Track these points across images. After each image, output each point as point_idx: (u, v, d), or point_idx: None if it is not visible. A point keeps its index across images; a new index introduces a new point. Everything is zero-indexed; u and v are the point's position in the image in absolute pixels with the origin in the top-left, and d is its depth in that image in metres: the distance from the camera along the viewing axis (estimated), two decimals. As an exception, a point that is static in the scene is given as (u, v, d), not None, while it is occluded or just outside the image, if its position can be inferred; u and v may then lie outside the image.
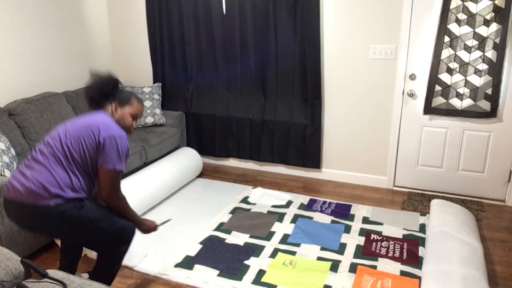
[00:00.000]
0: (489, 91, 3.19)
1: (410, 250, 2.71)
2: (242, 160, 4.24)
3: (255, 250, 2.72)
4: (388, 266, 2.54)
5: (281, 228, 3.00)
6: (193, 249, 2.74)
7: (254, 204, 3.39)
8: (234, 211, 3.27)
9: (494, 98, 3.19)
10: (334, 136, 3.80)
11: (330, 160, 3.88)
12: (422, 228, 2.99)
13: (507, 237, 2.93)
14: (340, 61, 3.59)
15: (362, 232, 2.94)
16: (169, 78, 4.23)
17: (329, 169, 3.91)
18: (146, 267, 2.57)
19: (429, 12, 3.23)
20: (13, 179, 1.91)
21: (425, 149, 3.54)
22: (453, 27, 3.16)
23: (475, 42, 3.13)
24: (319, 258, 2.63)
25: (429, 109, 3.39)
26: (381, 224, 3.06)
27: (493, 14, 3.03)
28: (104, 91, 2.09)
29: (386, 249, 2.73)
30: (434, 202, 3.00)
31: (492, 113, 3.23)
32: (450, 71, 3.26)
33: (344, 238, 2.86)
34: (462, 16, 3.11)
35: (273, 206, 3.35)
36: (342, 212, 3.24)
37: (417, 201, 3.45)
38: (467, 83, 3.24)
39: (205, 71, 4.07)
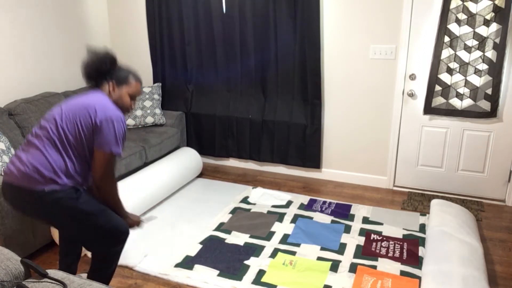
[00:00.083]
0: (489, 91, 3.19)
1: (410, 250, 2.71)
2: (242, 160, 4.24)
3: (255, 250, 2.72)
4: (388, 266, 2.54)
5: (281, 228, 3.00)
6: (193, 249, 2.74)
7: (254, 204, 3.39)
8: (234, 211, 3.27)
9: (494, 98, 3.19)
10: (334, 136, 3.80)
11: (330, 160, 3.88)
12: (422, 228, 2.99)
13: (507, 237, 2.93)
14: (340, 61, 3.59)
15: (362, 232, 2.94)
16: (169, 78, 4.23)
17: (329, 169, 3.91)
18: (146, 267, 2.57)
19: (429, 12, 3.23)
20: (10, 163, 1.92)
21: (425, 149, 3.54)
22: (453, 27, 3.16)
23: (475, 42, 3.13)
24: (319, 258, 2.63)
25: (429, 109, 3.39)
26: (381, 224, 3.06)
27: (493, 14, 3.03)
28: (101, 69, 2.02)
29: (386, 249, 2.73)
30: (434, 202, 3.00)
31: (492, 113, 3.23)
32: (450, 71, 3.26)
33: (344, 238, 2.86)
34: (462, 16, 3.11)
35: (273, 206, 3.35)
36: (342, 212, 3.24)
37: (417, 201, 3.45)
38: (467, 83, 3.24)
39: (205, 71, 4.07)
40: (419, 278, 2.43)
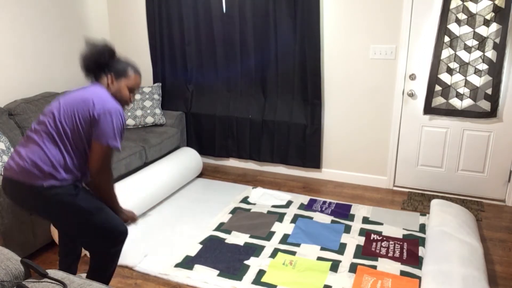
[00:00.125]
0: (489, 91, 3.19)
1: (410, 250, 2.71)
2: (242, 160, 4.24)
3: (255, 250, 2.72)
4: (388, 266, 2.54)
5: (281, 228, 3.00)
6: (193, 249, 2.74)
7: (254, 204, 3.39)
8: (234, 211, 3.27)
9: (494, 98, 3.19)
10: (334, 136, 3.80)
11: (330, 160, 3.88)
12: (422, 228, 2.99)
13: (507, 237, 2.93)
14: (340, 61, 3.59)
15: (362, 232, 2.94)
16: (169, 78, 4.23)
17: (329, 169, 3.91)
18: (146, 267, 2.57)
19: (429, 12, 3.23)
20: (10, 158, 1.92)
21: (425, 149, 3.54)
22: (453, 27, 3.16)
23: (475, 42, 3.13)
24: (319, 258, 2.63)
25: (429, 109, 3.39)
26: (381, 224, 3.06)
27: (493, 14, 3.03)
28: (99, 61, 2.00)
29: (386, 249, 2.73)
30: (434, 202, 3.00)
31: (492, 113, 3.23)
32: (450, 71, 3.26)
33: (344, 238, 2.86)
34: (462, 16, 3.11)
35: (273, 206, 3.35)
36: (342, 212, 3.24)
37: (417, 201, 3.45)
38: (467, 83, 3.24)
39: (205, 71, 4.07)
40: (419, 278, 2.43)
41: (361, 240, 2.83)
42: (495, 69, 3.12)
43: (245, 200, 3.47)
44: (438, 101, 3.35)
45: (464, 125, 3.37)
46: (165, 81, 4.26)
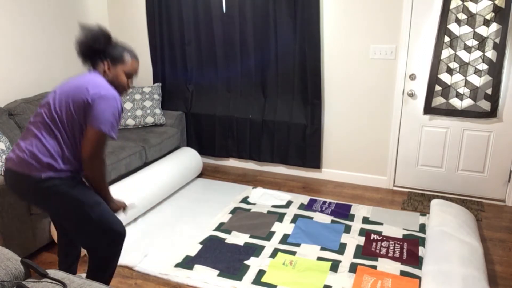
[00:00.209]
0: (489, 91, 3.19)
1: (410, 250, 2.71)
2: (242, 160, 4.24)
3: (255, 250, 2.72)
4: (388, 266, 2.54)
5: (281, 228, 3.00)
6: (193, 249, 2.74)
7: (254, 204, 3.39)
8: (234, 211, 3.27)
9: (494, 98, 3.19)
10: (334, 136, 3.80)
11: (330, 160, 3.88)
12: (422, 228, 2.99)
13: (507, 237, 2.94)
14: (340, 61, 3.59)
15: (362, 232, 2.94)
16: (169, 78, 4.23)
17: (329, 169, 3.91)
18: (146, 267, 2.57)
19: (429, 12, 3.23)
20: (11, 151, 1.93)
21: (425, 149, 3.54)
22: (453, 27, 3.16)
23: (475, 42, 3.13)
24: (319, 258, 2.63)
25: (429, 109, 3.39)
26: (381, 224, 3.06)
27: (493, 14, 3.03)
28: (94, 47, 1.95)
29: (386, 249, 2.73)
30: (434, 202, 3.00)
31: (492, 113, 3.23)
32: (450, 71, 3.26)
33: (344, 238, 2.86)
34: (462, 16, 3.11)
35: (273, 206, 3.35)
36: (342, 212, 3.24)
37: (417, 201, 3.45)
38: (467, 83, 3.24)
39: (205, 71, 4.07)
40: (419, 278, 2.43)
41: (361, 240, 2.83)
42: (495, 69, 3.12)
43: (245, 200, 3.47)
44: (438, 101, 3.35)
45: (464, 125, 3.37)
46: (165, 81, 4.26)
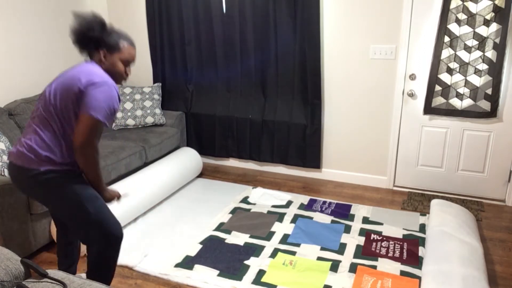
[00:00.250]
0: (489, 91, 3.19)
1: (410, 250, 2.71)
2: (242, 160, 4.24)
3: (255, 250, 2.72)
4: (388, 266, 2.54)
5: (281, 228, 3.00)
6: (193, 249, 2.74)
7: (254, 204, 3.39)
8: (234, 211, 3.27)
9: (494, 98, 3.19)
10: (334, 136, 3.80)
11: (330, 160, 3.88)
12: (422, 228, 2.99)
13: (507, 237, 2.93)
14: (340, 61, 3.59)
15: (362, 232, 2.94)
16: (169, 78, 4.23)
17: (329, 169, 3.91)
18: (146, 267, 2.57)
19: (429, 12, 3.23)
20: (13, 145, 1.95)
21: (425, 149, 3.54)
22: (453, 27, 3.16)
23: (475, 42, 3.13)
24: (319, 258, 2.63)
25: (429, 109, 3.39)
26: (381, 224, 3.06)
27: (493, 14, 3.03)
28: (89, 35, 1.90)
29: (386, 249, 2.73)
30: (434, 202, 3.00)
31: (492, 113, 3.23)
32: (450, 71, 3.26)
33: (344, 238, 2.86)
34: (462, 16, 3.11)
35: (273, 206, 3.35)
36: (342, 212, 3.24)
37: (417, 201, 3.45)
38: (467, 83, 3.24)
39: (205, 71, 4.07)
40: (419, 278, 2.43)
41: (361, 240, 2.83)
42: (495, 69, 3.12)
43: (245, 200, 3.47)
44: (438, 101, 3.35)
45: (464, 125, 3.37)
46: (165, 81, 4.26)
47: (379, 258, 2.62)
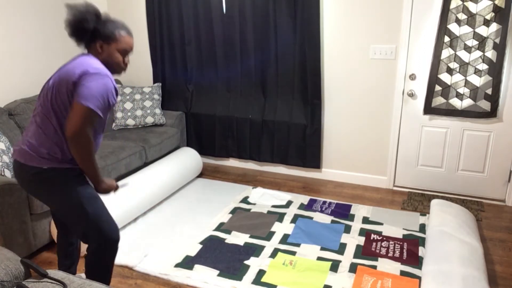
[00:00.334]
0: (489, 91, 3.19)
1: (410, 250, 2.71)
2: (242, 160, 4.24)
3: (255, 250, 2.72)
4: (388, 266, 2.54)
5: (281, 228, 3.00)
6: (193, 249, 2.74)
7: (254, 204, 3.39)
8: (234, 211, 3.27)
9: (494, 98, 3.19)
10: (334, 136, 3.80)
11: (330, 160, 3.88)
12: (422, 228, 2.99)
13: (507, 237, 2.94)
14: (340, 61, 3.59)
15: (362, 232, 2.94)
16: (169, 78, 4.23)
17: (329, 169, 3.91)
18: (146, 267, 2.57)
19: (429, 12, 3.23)
20: (17, 143, 1.94)
21: (425, 149, 3.54)
22: (453, 27, 3.16)
23: (475, 42, 3.13)
24: (319, 258, 2.63)
25: (429, 109, 3.39)
26: (381, 224, 3.06)
27: (493, 14, 3.03)
28: (84, 27, 1.86)
29: (386, 249, 2.73)
30: (434, 202, 3.00)
31: (492, 113, 3.23)
32: (450, 71, 3.26)
33: (344, 238, 2.86)
34: (462, 16, 3.11)
35: (273, 206, 3.35)
36: (342, 212, 3.24)
37: (417, 201, 3.45)
38: (467, 83, 3.24)
39: (205, 71, 4.07)
40: (419, 278, 2.43)
41: (361, 240, 2.83)
42: (495, 69, 3.12)
43: (245, 200, 3.47)
44: (438, 101, 3.35)
45: (464, 125, 3.37)
46: (165, 81, 4.26)
47: (379, 258, 2.62)
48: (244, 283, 2.40)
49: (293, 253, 2.70)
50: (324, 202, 3.42)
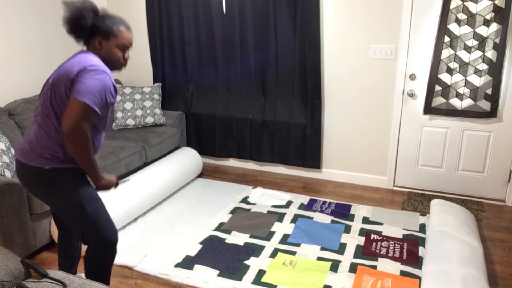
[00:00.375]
0: (489, 91, 3.19)
1: (410, 250, 2.71)
2: (242, 160, 4.24)
3: (255, 250, 2.72)
4: (388, 266, 2.54)
5: (281, 228, 3.00)
6: (193, 249, 2.74)
7: (254, 204, 3.39)
8: (234, 211, 3.27)
9: (494, 98, 3.19)
10: (334, 136, 3.80)
11: (330, 160, 3.88)
12: (422, 228, 2.99)
13: (507, 237, 2.94)
14: (340, 61, 3.59)
15: (362, 232, 2.94)
16: (169, 78, 4.23)
17: (329, 169, 3.91)
18: (146, 267, 2.57)
19: (429, 12, 3.23)
20: (19, 143, 1.94)
21: (425, 149, 3.54)
22: (453, 27, 3.16)
23: (475, 42, 3.13)
24: (319, 258, 2.63)
25: (429, 109, 3.39)
26: (381, 224, 3.06)
27: (493, 14, 3.03)
28: (82, 23, 1.83)
29: (386, 249, 2.73)
30: (434, 202, 3.00)
31: (492, 113, 3.23)
32: (450, 71, 3.26)
33: (344, 238, 2.86)
34: (462, 16, 3.11)
35: (273, 206, 3.35)
36: (342, 212, 3.24)
37: (417, 201, 3.45)
38: (467, 83, 3.24)
39: (205, 71, 4.07)
40: (419, 278, 2.43)
41: (361, 240, 2.83)
42: (495, 69, 3.12)
43: (245, 200, 3.47)
44: (438, 101, 3.35)
45: (464, 125, 3.37)
46: (165, 81, 4.26)
47: (379, 258, 2.62)
48: (244, 283, 2.40)
49: (293, 253, 2.70)
50: (324, 202, 3.42)
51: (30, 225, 2.60)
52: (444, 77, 3.28)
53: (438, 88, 3.32)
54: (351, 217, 3.16)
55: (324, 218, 3.13)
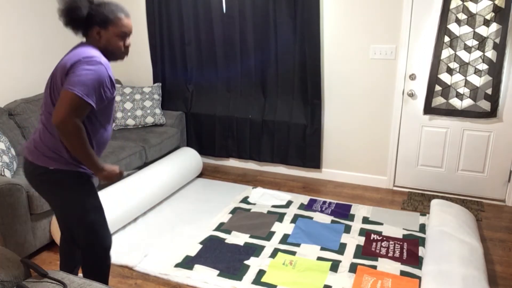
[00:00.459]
0: (489, 91, 3.19)
1: (410, 250, 2.71)
2: (242, 160, 4.24)
3: (255, 250, 2.72)
4: (388, 266, 2.54)
5: (281, 228, 3.00)
6: (193, 249, 2.74)
7: (254, 204, 3.39)
8: (234, 211, 3.27)
9: (494, 98, 3.19)
10: (334, 136, 3.80)
11: (330, 160, 3.88)
12: (422, 228, 2.99)
13: (507, 237, 2.94)
14: (340, 61, 3.59)
15: (362, 232, 2.94)
16: (169, 78, 4.23)
17: (329, 169, 3.91)
18: (146, 267, 2.57)
19: (429, 12, 3.23)
20: (27, 141, 1.95)
21: (425, 149, 3.54)
22: (453, 27, 3.16)
23: (475, 42, 3.13)
24: (319, 258, 2.63)
25: (429, 109, 3.39)
26: (381, 224, 3.06)
27: (493, 14, 3.03)
28: (79, 15, 1.78)
29: (386, 249, 2.73)
30: (434, 202, 3.00)
31: (492, 113, 3.23)
32: (450, 71, 3.26)
33: (344, 238, 2.86)
34: (462, 16, 3.11)
35: (273, 206, 3.35)
36: (342, 212, 3.24)
37: (417, 201, 3.45)
38: (467, 83, 3.24)
39: (205, 71, 4.07)
40: (419, 278, 2.43)
41: (361, 240, 2.83)
42: (495, 69, 3.12)
43: (245, 200, 3.47)
44: (438, 101, 3.35)
45: (464, 125, 3.37)
46: (165, 81, 4.26)
47: (379, 258, 2.62)
48: (244, 283, 2.40)
49: (293, 253, 2.70)
50: (324, 202, 3.42)
51: (30, 225, 2.60)
52: (444, 77, 3.28)
53: (438, 88, 3.32)
54: (351, 217, 3.16)
55: (324, 218, 3.13)
